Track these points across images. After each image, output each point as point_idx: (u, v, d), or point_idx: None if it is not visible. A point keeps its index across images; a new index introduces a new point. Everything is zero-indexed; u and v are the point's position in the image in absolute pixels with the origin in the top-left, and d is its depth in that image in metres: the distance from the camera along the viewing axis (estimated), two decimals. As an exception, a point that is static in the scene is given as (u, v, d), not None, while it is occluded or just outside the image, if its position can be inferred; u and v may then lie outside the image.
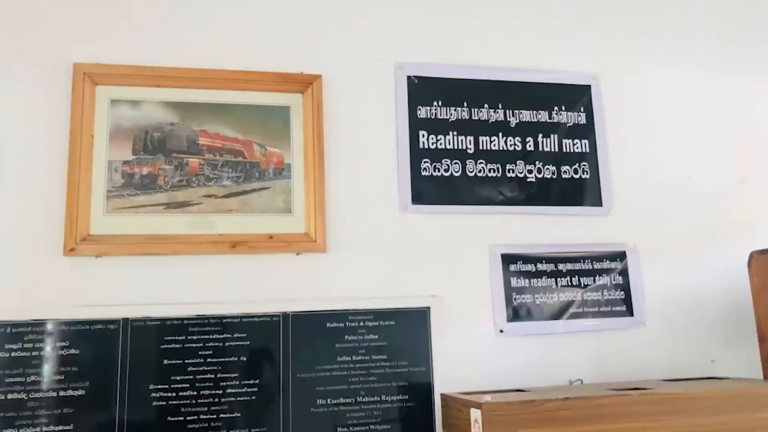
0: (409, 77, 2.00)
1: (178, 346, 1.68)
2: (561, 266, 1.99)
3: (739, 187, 2.19)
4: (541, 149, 2.06)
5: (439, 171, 1.96)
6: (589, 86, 2.14)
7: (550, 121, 2.08)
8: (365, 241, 1.87)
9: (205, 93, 1.84)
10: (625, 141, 2.13)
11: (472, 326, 1.89)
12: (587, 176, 2.07)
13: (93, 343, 1.64)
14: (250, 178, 1.83)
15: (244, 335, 1.72)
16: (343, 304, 1.80)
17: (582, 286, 1.99)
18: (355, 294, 1.83)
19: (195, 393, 1.66)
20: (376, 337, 1.80)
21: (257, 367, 1.71)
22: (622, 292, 2.02)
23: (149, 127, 1.79)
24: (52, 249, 1.67)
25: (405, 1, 2.06)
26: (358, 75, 1.97)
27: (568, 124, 2.10)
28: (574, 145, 2.08)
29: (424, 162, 1.96)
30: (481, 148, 2.01)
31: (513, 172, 2.02)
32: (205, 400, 1.66)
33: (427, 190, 1.94)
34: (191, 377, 1.67)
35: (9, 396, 1.57)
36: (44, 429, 1.57)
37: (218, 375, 1.68)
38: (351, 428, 1.73)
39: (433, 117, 2.00)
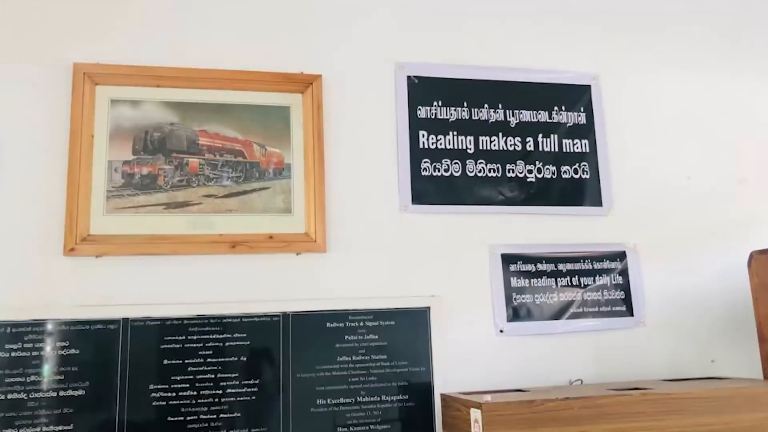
0: (409, 77, 2.00)
1: (178, 346, 1.68)
2: (561, 266, 1.99)
3: (739, 187, 2.19)
4: (541, 149, 2.06)
5: (439, 171, 1.96)
6: (589, 86, 2.14)
7: (550, 121, 2.08)
8: (365, 241, 1.87)
9: (205, 93, 1.84)
10: (625, 141, 2.13)
11: (472, 326, 1.89)
12: (587, 176, 2.07)
13: (93, 343, 1.64)
14: (250, 178, 1.83)
15: (244, 335, 1.72)
16: (343, 304, 1.80)
17: (582, 286, 1.99)
18: (355, 294, 1.83)
19: (195, 393, 1.66)
20: (376, 337, 1.80)
21: (257, 367, 1.71)
22: (622, 292, 2.02)
23: (149, 127, 1.79)
24: (52, 249, 1.67)
25: (405, 1, 2.06)
26: (358, 75, 1.97)
27: (568, 124, 2.10)
28: (574, 145, 2.08)
29: (424, 162, 1.96)
30: (481, 148, 2.01)
31: (513, 172, 2.02)
32: (205, 400, 1.66)
33: (427, 190, 1.94)
34: (191, 377, 1.67)
35: (9, 396, 1.57)
36: (44, 429, 1.57)
37: (218, 375, 1.68)
38: (351, 428, 1.73)
39: (433, 117, 2.00)
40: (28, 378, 1.59)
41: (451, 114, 2.01)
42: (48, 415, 1.58)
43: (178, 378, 1.66)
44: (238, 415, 1.67)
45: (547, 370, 1.90)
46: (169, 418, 1.64)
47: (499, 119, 2.05)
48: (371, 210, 1.90)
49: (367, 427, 1.74)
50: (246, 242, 1.77)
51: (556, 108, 2.10)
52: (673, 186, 2.14)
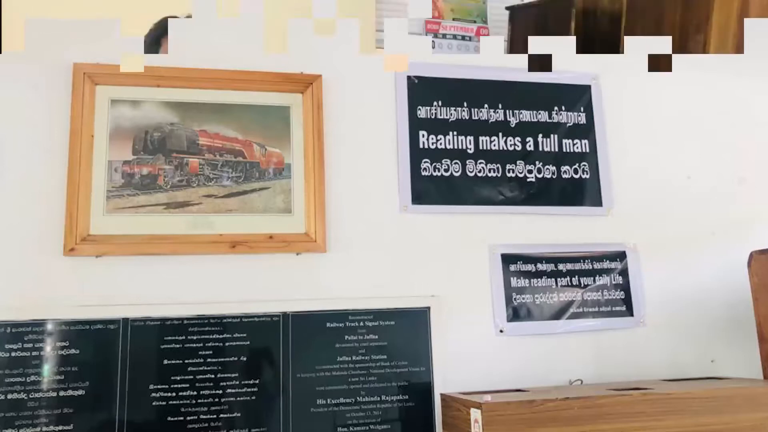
0: (409, 77, 2.00)
1: (178, 346, 1.68)
2: (561, 266, 1.98)
3: (739, 187, 2.19)
4: (541, 149, 2.06)
5: (439, 171, 1.96)
6: (589, 86, 2.14)
7: (550, 121, 2.08)
8: (365, 241, 1.87)
9: (205, 93, 1.84)
10: (625, 141, 2.13)
11: (472, 326, 1.89)
12: (587, 176, 2.07)
13: (93, 343, 1.63)
14: (250, 178, 1.83)
15: (244, 335, 1.72)
16: (343, 304, 1.80)
17: (582, 286, 1.99)
18: (355, 294, 1.82)
19: (195, 393, 1.66)
20: (376, 337, 1.80)
21: (257, 367, 1.71)
22: (622, 292, 2.02)
23: (149, 127, 1.79)
24: (52, 249, 1.67)
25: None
26: (358, 75, 1.97)
27: (568, 124, 2.10)
28: (574, 145, 2.08)
29: (424, 162, 1.96)
30: (481, 148, 2.01)
31: (513, 172, 2.02)
32: (205, 400, 1.66)
33: (427, 190, 1.94)
34: (191, 377, 1.67)
35: (9, 396, 1.57)
36: (44, 429, 1.57)
37: (218, 375, 1.68)
38: (351, 428, 1.73)
39: (433, 117, 2.00)
40: (28, 378, 1.59)
41: (451, 114, 2.01)
42: (48, 415, 1.58)
43: (178, 378, 1.66)
44: (238, 415, 1.67)
45: (547, 370, 1.90)
46: (169, 418, 1.64)
47: (499, 119, 2.05)
48: (371, 210, 1.90)
49: (367, 427, 1.74)
50: (246, 242, 1.77)
51: (556, 108, 2.09)
52: (673, 186, 2.14)
